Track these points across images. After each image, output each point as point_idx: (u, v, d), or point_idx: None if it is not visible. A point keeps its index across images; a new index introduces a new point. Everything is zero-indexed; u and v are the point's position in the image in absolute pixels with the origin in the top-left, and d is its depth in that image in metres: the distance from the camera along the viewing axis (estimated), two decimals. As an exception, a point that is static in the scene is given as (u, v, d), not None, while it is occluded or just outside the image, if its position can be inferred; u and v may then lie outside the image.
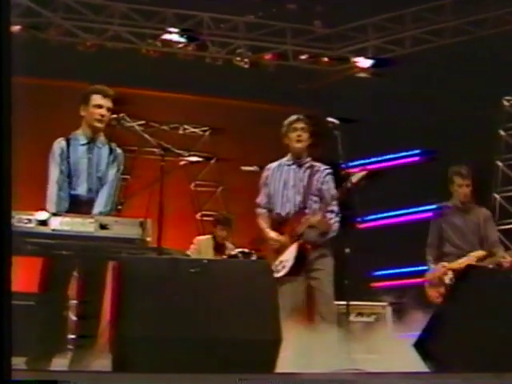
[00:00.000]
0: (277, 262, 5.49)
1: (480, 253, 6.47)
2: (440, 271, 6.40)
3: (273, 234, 5.60)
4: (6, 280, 2.00)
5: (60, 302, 4.78)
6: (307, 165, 5.69)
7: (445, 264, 6.44)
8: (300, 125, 5.67)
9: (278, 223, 5.63)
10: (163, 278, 4.17)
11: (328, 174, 5.66)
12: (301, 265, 5.48)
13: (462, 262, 6.31)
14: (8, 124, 2.03)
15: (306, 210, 5.54)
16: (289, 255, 5.51)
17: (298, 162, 5.71)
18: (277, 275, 5.29)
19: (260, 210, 5.76)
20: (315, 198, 5.55)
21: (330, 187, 5.63)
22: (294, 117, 5.74)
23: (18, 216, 4.29)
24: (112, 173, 5.04)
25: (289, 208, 5.61)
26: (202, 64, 10.61)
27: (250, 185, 9.57)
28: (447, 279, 6.32)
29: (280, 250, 5.55)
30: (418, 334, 4.94)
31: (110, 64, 9.62)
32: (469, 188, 6.63)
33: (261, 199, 5.77)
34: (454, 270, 6.31)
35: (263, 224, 5.71)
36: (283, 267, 5.48)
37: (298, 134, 5.65)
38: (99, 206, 4.92)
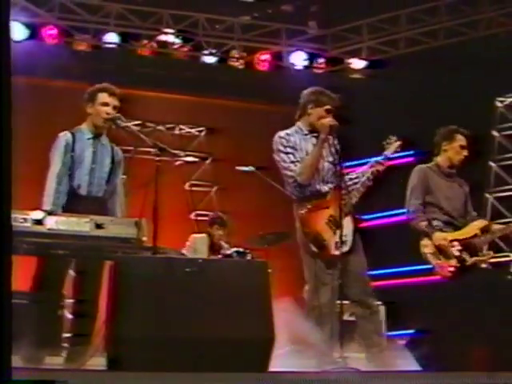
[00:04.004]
0: (336, 240, 5.02)
1: (483, 222, 5.91)
2: (441, 241, 5.68)
3: None
4: (6, 283, 2.01)
5: (55, 300, 4.79)
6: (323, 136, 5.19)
7: (439, 234, 5.73)
8: (333, 108, 5.26)
9: (313, 195, 5.18)
10: (159, 277, 4.18)
11: (339, 147, 5.25)
12: (356, 239, 5.11)
13: (466, 233, 5.78)
14: (8, 125, 2.05)
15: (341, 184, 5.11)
16: (346, 230, 5.04)
17: (314, 133, 5.25)
18: (338, 253, 4.97)
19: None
20: (338, 173, 5.13)
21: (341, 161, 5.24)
22: (329, 94, 5.31)
23: (14, 215, 4.29)
24: (120, 181, 5.16)
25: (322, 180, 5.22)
26: (198, 64, 10.62)
27: (244, 185, 9.64)
28: (455, 251, 5.68)
29: (334, 223, 5.10)
30: (411, 333, 4.97)
31: (105, 64, 9.63)
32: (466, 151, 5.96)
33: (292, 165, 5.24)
34: (459, 241, 5.72)
35: None
36: (345, 243, 5.03)
37: (330, 118, 5.19)
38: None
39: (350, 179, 5.33)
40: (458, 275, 5.52)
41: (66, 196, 4.94)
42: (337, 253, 5.03)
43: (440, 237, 5.69)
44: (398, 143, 5.52)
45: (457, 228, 5.81)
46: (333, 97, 5.34)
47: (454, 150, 5.92)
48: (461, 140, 5.93)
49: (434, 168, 5.98)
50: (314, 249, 5.12)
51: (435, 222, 5.79)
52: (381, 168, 5.35)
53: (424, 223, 5.77)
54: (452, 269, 5.60)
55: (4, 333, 2.09)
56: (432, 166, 5.99)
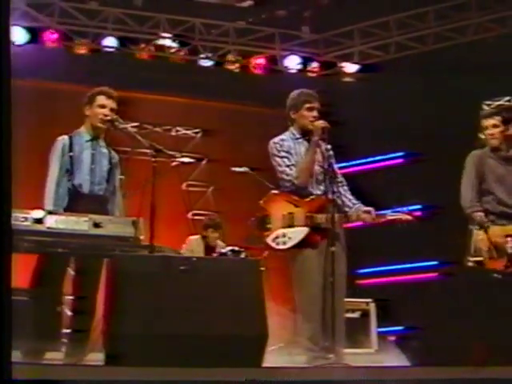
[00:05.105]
0: (279, 232, 5.04)
1: None
2: (497, 238, 5.40)
3: None
4: (6, 282, 2.01)
5: (54, 297, 4.79)
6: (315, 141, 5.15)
7: (496, 229, 5.44)
8: (316, 104, 5.21)
9: (298, 194, 5.13)
10: (155, 275, 4.19)
11: (331, 152, 5.22)
12: (303, 247, 5.01)
13: None
14: (8, 124, 2.05)
15: (329, 195, 4.98)
16: (295, 234, 5.01)
17: (306, 137, 5.20)
18: (273, 245, 5.04)
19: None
20: (328, 177, 5.04)
21: (335, 167, 5.17)
22: (308, 92, 5.27)
23: (15, 214, 4.30)
24: (118, 183, 5.16)
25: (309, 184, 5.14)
26: (194, 68, 10.64)
27: (239, 185, 9.64)
28: (509, 248, 5.35)
29: (288, 220, 5.05)
30: (401, 329, 4.98)
31: (103, 67, 9.63)
32: (498, 128, 5.65)
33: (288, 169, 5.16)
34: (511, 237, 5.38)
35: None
36: (284, 243, 5.02)
37: (313, 115, 5.17)
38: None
39: (349, 200, 5.23)
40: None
41: (66, 197, 4.95)
42: (270, 243, 5.04)
43: (496, 233, 5.43)
44: (408, 217, 5.18)
45: (511, 218, 5.56)
46: (311, 93, 5.30)
47: (486, 135, 5.72)
48: (486, 121, 5.71)
49: (489, 153, 5.74)
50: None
51: (490, 215, 5.55)
52: (369, 221, 5.15)
53: (480, 214, 5.53)
54: (503, 267, 5.32)
55: (4, 330, 2.09)
56: (487, 151, 5.75)
